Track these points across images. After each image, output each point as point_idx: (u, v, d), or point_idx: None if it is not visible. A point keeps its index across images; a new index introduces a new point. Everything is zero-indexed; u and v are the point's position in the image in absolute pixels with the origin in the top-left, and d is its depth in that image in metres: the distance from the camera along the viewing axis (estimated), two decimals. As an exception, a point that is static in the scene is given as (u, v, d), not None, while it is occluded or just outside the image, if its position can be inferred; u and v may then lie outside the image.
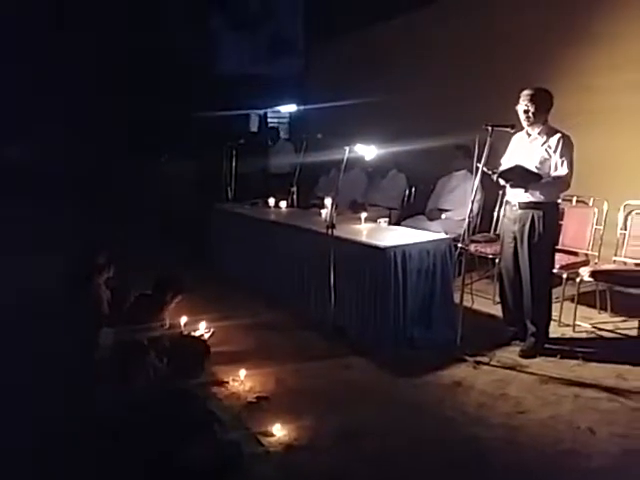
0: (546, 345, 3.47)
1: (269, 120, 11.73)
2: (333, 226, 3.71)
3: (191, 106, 9.00)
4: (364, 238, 3.86)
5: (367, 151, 3.96)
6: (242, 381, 3.11)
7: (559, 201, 3.45)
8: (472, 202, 3.51)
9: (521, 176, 3.27)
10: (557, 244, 3.62)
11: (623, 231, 3.90)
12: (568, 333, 3.79)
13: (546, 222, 3.32)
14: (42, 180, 7.89)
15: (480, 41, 5.70)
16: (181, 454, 2.43)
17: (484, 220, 4.82)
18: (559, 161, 3.27)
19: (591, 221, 4.04)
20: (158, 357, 3.01)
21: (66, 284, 3.30)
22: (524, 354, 3.42)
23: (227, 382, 3.12)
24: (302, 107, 8.75)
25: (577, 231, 4.10)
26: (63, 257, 3.67)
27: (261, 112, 11.55)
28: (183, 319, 3.57)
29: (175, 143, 8.83)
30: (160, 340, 3.10)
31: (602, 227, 4.00)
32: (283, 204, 5.25)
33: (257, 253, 4.81)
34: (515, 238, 3.44)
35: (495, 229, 4.68)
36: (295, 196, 5.49)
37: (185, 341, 3.32)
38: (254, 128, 11.50)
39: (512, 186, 3.36)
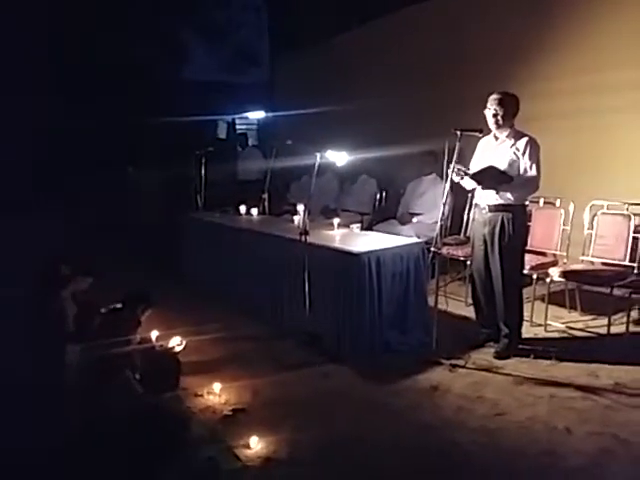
0: (519, 346, 3.51)
1: (237, 127, 11.63)
2: (306, 232, 3.68)
3: (157, 113, 8.84)
4: (338, 244, 3.84)
5: (338, 157, 3.94)
6: (217, 394, 3.04)
7: (527, 203, 3.50)
8: (443, 205, 3.53)
9: (494, 177, 3.30)
10: (526, 245, 3.67)
11: (590, 231, 3.98)
12: (540, 333, 3.85)
13: (515, 224, 3.36)
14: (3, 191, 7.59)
15: (447, 48, 5.78)
16: (156, 471, 2.36)
17: (454, 223, 4.87)
18: (528, 163, 3.31)
19: (559, 222, 4.11)
20: (130, 373, 2.92)
21: (25, 297, 3.15)
22: (498, 355, 3.45)
23: (202, 395, 3.04)
24: (270, 114, 8.69)
25: (545, 232, 4.18)
26: (22, 270, 3.51)
27: (229, 119, 11.45)
28: (154, 333, 3.47)
29: (143, 152, 8.66)
30: (131, 355, 3.00)
31: (569, 227, 4.08)
32: (254, 211, 5.17)
33: (229, 262, 4.73)
34: (485, 241, 3.47)
35: (465, 232, 4.73)
36: (267, 203, 5.43)
37: (157, 356, 3.24)
38: (222, 135, 11.39)
39: (484, 188, 3.39)
